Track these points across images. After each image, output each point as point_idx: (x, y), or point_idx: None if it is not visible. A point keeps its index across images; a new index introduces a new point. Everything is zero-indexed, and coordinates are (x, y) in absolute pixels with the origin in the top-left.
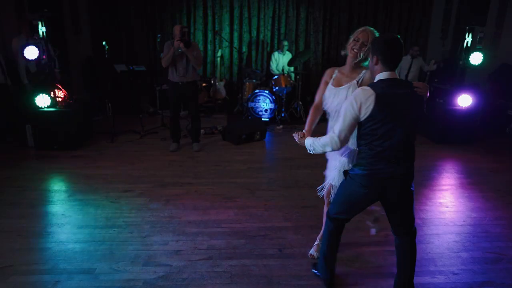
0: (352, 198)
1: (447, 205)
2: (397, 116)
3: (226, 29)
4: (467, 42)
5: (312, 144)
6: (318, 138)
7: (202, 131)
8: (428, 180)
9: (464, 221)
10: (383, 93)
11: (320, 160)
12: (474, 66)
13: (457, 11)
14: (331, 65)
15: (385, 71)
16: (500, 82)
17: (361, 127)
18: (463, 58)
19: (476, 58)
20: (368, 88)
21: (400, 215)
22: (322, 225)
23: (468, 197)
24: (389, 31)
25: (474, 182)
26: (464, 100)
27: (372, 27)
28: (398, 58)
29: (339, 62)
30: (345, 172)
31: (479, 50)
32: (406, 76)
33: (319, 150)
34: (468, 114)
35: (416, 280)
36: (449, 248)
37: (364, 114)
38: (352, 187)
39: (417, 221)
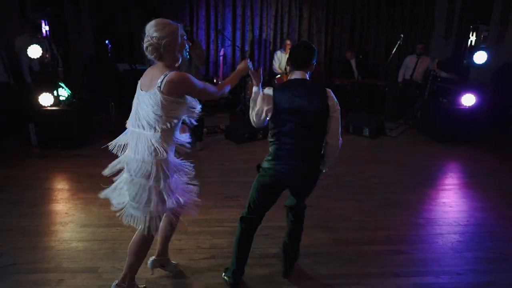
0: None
1: (450, 204)
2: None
3: (229, 28)
4: (471, 41)
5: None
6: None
7: (204, 130)
8: (431, 180)
9: (467, 220)
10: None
11: None
12: (478, 65)
13: (461, 10)
14: (334, 65)
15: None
16: (504, 81)
17: None
18: (467, 57)
19: (480, 57)
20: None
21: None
22: (323, 224)
23: (471, 197)
24: (392, 31)
25: (477, 182)
26: (468, 100)
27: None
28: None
29: (342, 62)
30: None
31: (483, 49)
32: (412, 75)
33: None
34: (471, 113)
35: (420, 280)
36: (452, 248)
37: None
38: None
39: (420, 220)
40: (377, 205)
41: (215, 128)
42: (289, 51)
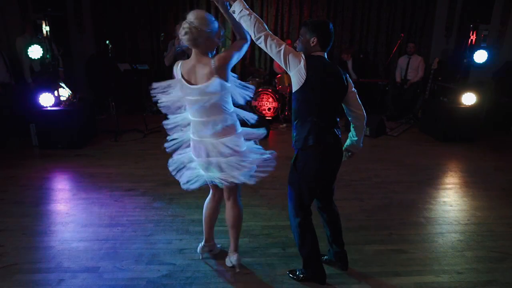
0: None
1: (451, 204)
2: None
3: (229, 27)
4: (472, 40)
5: (243, 11)
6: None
7: None
8: (432, 179)
9: (468, 220)
10: None
11: None
12: (478, 64)
13: (462, 8)
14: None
15: None
16: (504, 80)
17: None
18: (467, 56)
19: (480, 56)
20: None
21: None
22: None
23: (472, 196)
24: (392, 29)
25: (478, 181)
26: (468, 98)
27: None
28: None
29: (342, 60)
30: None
31: (483, 48)
32: (405, 75)
33: (248, 24)
34: (472, 112)
35: (420, 279)
36: (453, 247)
37: None
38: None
39: (421, 219)
40: (378, 204)
41: None
42: (320, 30)
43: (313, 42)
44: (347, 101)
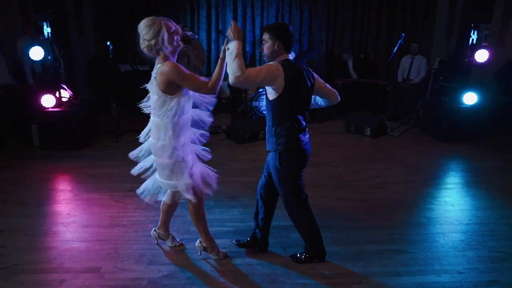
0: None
1: (452, 203)
2: None
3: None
4: (473, 40)
5: (236, 50)
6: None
7: None
8: (433, 179)
9: (469, 219)
10: None
11: (324, 159)
12: (479, 63)
13: (462, 8)
14: (335, 64)
15: None
16: (505, 80)
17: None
18: (468, 56)
19: (481, 56)
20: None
21: None
22: (325, 224)
23: (473, 196)
24: (393, 29)
25: (479, 181)
26: (470, 98)
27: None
28: None
29: (343, 60)
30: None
31: (484, 47)
32: (408, 75)
33: (231, 62)
34: (473, 112)
35: (421, 279)
36: (454, 247)
37: None
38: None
39: (422, 219)
40: (379, 204)
41: (216, 128)
42: (283, 33)
43: (278, 46)
44: (323, 93)
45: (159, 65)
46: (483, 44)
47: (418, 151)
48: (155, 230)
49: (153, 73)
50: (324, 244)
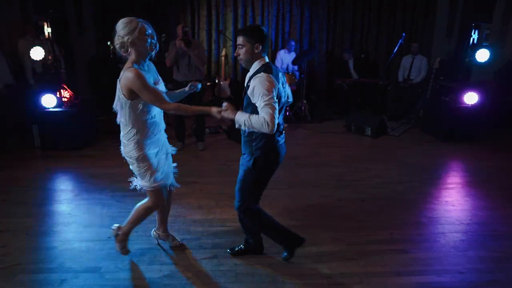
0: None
1: (453, 203)
2: None
3: (230, 28)
4: (473, 39)
5: (248, 119)
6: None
7: (206, 130)
8: (433, 179)
9: (470, 219)
10: None
11: (324, 159)
12: (480, 63)
13: (463, 8)
14: (336, 64)
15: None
16: (506, 80)
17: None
18: (469, 56)
19: (482, 55)
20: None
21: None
22: (325, 224)
23: (474, 196)
24: (393, 28)
25: (480, 180)
26: (470, 98)
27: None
28: None
29: (343, 60)
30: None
31: (485, 47)
32: (408, 75)
33: (254, 128)
34: (474, 111)
35: (422, 279)
36: (455, 247)
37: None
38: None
39: (422, 219)
40: (379, 204)
41: (217, 128)
42: (261, 35)
43: (257, 48)
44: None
45: (126, 69)
46: (484, 44)
47: (418, 151)
48: (154, 230)
49: (120, 75)
50: (324, 244)
